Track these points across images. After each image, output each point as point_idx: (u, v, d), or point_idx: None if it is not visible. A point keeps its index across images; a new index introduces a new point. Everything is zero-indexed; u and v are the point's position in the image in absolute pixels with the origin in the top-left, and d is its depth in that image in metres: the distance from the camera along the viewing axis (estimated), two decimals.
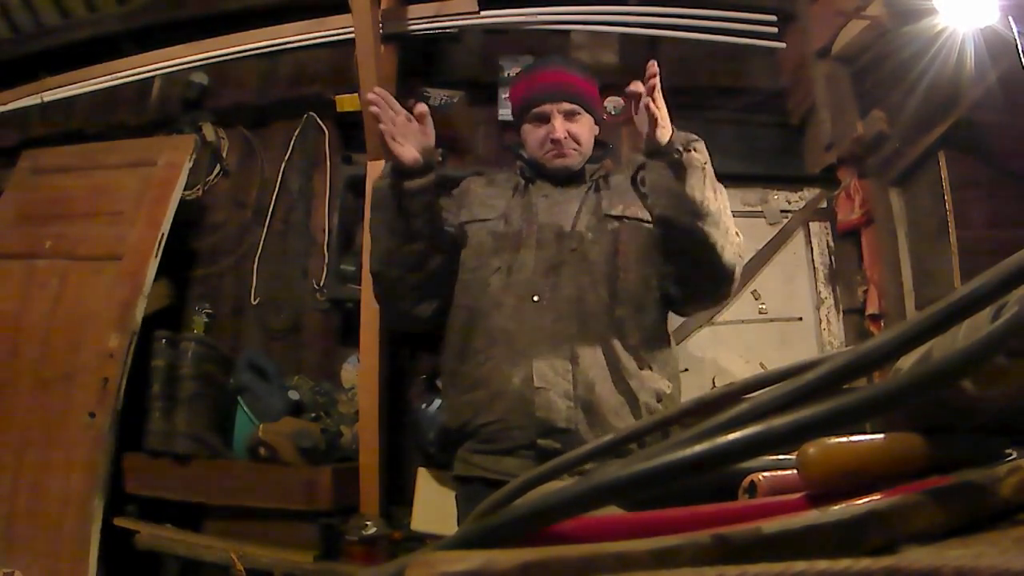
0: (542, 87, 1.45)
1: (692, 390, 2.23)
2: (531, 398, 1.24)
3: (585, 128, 1.46)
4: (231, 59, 2.36)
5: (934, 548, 0.30)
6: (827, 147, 2.31)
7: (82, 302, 2.16)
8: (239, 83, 2.69)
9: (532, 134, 1.46)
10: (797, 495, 0.40)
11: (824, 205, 2.41)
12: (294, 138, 2.59)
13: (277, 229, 2.55)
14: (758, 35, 2.16)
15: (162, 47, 2.40)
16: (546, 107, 1.43)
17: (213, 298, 2.49)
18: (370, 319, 2.02)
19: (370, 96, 1.29)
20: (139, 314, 2.09)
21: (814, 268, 2.38)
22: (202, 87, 2.64)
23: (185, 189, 2.35)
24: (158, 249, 2.16)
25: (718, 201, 1.29)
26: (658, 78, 1.24)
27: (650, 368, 1.31)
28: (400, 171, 1.30)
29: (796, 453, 0.39)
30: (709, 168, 1.29)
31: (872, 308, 2.19)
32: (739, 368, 2.28)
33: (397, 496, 2.09)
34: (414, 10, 2.25)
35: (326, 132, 2.57)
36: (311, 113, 2.59)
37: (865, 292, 2.25)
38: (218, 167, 2.61)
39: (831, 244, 2.39)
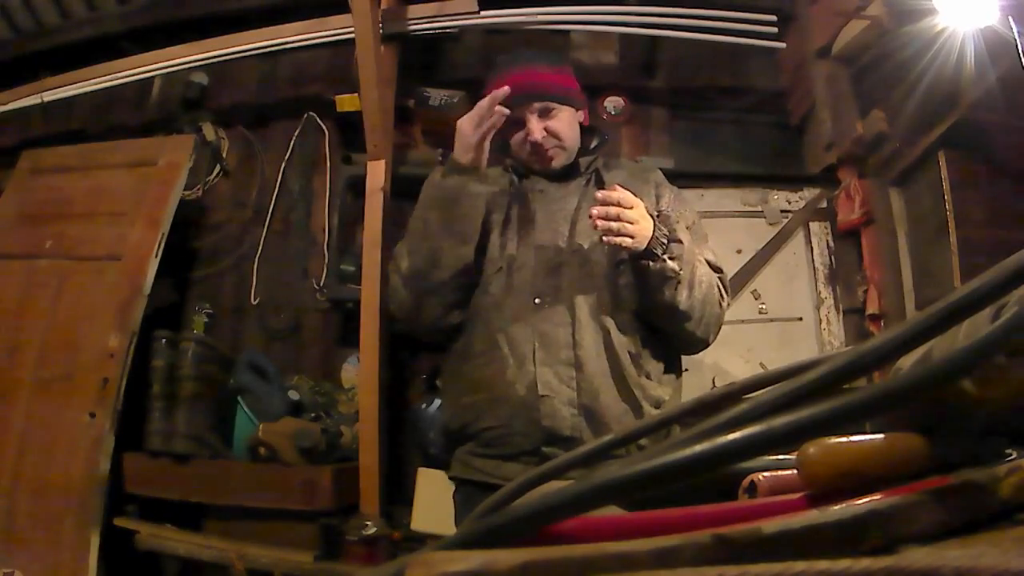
0: (513, 90, 1.36)
1: (692, 390, 2.23)
2: (536, 405, 1.22)
3: (564, 123, 1.40)
4: (231, 59, 2.36)
5: (934, 548, 0.30)
6: (827, 147, 2.31)
7: (82, 302, 2.16)
8: (239, 83, 2.70)
9: (513, 139, 1.42)
10: (797, 495, 0.40)
11: (824, 205, 2.42)
12: (294, 138, 2.60)
13: (277, 229, 2.55)
14: (758, 35, 2.16)
15: (162, 47, 2.40)
16: (518, 111, 1.36)
17: (213, 298, 2.49)
18: (370, 319, 2.02)
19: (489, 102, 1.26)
20: (139, 314, 2.09)
21: (814, 268, 2.37)
22: (202, 87, 2.64)
23: (185, 189, 2.35)
24: (158, 249, 2.17)
25: (694, 295, 1.26)
26: (613, 202, 1.17)
27: (648, 376, 1.29)
28: (467, 171, 1.28)
29: (796, 453, 0.39)
30: (688, 270, 1.24)
31: (872, 308, 2.19)
32: (739, 368, 2.28)
33: (397, 496, 2.09)
34: (414, 10, 2.25)
35: (326, 132, 2.57)
36: (311, 113, 2.59)
37: (865, 292, 2.25)
38: (218, 167, 2.61)
39: (831, 244, 2.39)
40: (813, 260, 2.38)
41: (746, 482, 0.47)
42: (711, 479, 0.34)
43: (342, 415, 2.18)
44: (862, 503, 0.32)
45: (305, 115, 2.60)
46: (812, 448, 0.38)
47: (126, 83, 2.42)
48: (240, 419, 2.07)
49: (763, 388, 0.47)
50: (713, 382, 2.28)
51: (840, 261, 2.37)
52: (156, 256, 2.16)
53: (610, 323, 1.28)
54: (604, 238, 1.18)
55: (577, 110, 1.46)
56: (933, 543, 0.30)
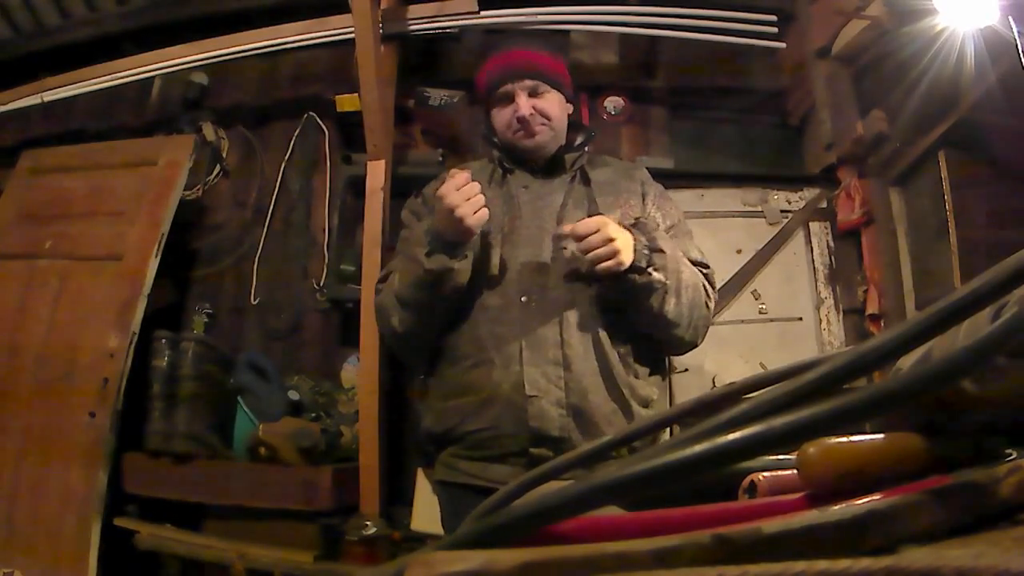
0: (503, 67, 1.39)
1: (692, 390, 2.24)
2: (523, 406, 1.20)
3: (553, 104, 1.39)
4: (231, 59, 2.36)
5: (934, 548, 0.30)
6: (827, 147, 2.31)
7: (82, 302, 2.16)
8: (239, 83, 2.70)
9: (499, 117, 1.40)
10: (797, 495, 0.40)
11: (824, 205, 2.42)
12: (294, 138, 2.60)
13: (277, 229, 2.55)
14: (758, 35, 2.17)
15: (162, 47, 2.40)
16: (508, 87, 1.37)
17: (213, 298, 2.49)
18: (370, 319, 2.02)
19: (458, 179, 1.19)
20: (139, 314, 2.09)
21: (814, 268, 2.38)
22: (202, 87, 2.64)
23: (185, 189, 2.36)
24: (158, 249, 2.17)
25: (682, 302, 1.24)
26: (590, 230, 1.16)
27: (636, 375, 1.27)
28: (452, 252, 1.21)
29: (796, 453, 0.39)
30: (673, 278, 1.22)
31: (872, 308, 2.19)
32: (739, 368, 2.28)
33: (397, 496, 2.09)
34: (414, 10, 2.25)
35: (326, 132, 2.57)
36: (311, 113, 2.59)
37: (865, 292, 2.25)
38: (218, 167, 2.61)
39: (831, 244, 2.39)
40: (813, 260, 2.38)
41: (746, 482, 0.47)
42: (711, 479, 0.34)
43: (342, 415, 2.18)
44: (862, 503, 0.32)
45: (305, 115, 2.60)
46: (812, 448, 0.38)
47: (126, 83, 2.42)
48: (240, 419, 2.08)
49: (763, 388, 0.47)
50: (713, 382, 2.28)
51: (840, 261, 2.37)
52: (156, 256, 2.16)
53: (599, 321, 1.25)
54: (599, 267, 1.16)
55: (567, 101, 1.44)
56: (933, 543, 0.30)
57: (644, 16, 2.22)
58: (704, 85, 2.56)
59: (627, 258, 1.17)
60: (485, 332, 1.26)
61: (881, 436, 0.40)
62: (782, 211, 2.44)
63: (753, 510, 0.38)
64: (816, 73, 2.32)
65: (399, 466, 2.15)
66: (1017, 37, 1.54)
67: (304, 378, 2.29)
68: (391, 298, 1.31)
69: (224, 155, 2.62)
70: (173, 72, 2.43)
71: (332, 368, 2.38)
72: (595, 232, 1.16)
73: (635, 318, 1.26)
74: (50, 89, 2.43)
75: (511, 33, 2.24)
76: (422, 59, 2.53)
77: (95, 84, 2.42)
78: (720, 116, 2.57)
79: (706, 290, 1.32)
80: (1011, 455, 0.40)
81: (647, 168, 1.55)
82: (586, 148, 1.45)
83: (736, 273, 2.35)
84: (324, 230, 2.49)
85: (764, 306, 2.36)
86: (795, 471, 0.40)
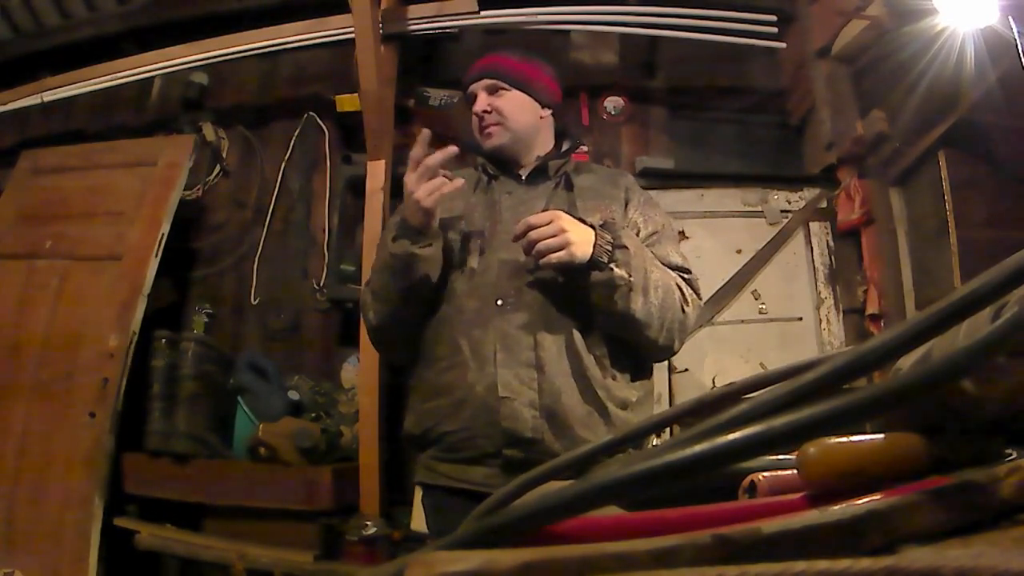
0: (471, 71, 1.44)
1: (692, 390, 2.24)
2: (496, 407, 1.20)
3: (510, 103, 1.39)
4: (231, 59, 2.36)
5: (934, 548, 0.30)
6: (827, 147, 2.31)
7: (82, 302, 2.17)
8: (239, 83, 2.70)
9: (471, 120, 1.44)
10: (797, 495, 0.40)
11: (824, 205, 2.42)
12: (294, 138, 2.60)
13: (277, 229, 2.55)
14: (758, 35, 2.17)
15: (162, 47, 2.40)
16: (471, 88, 1.41)
17: (213, 298, 2.49)
18: None
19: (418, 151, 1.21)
20: (139, 314, 2.09)
21: (814, 268, 2.38)
22: (202, 87, 2.64)
23: (185, 189, 2.36)
24: (158, 249, 2.17)
25: (650, 301, 1.21)
26: (540, 224, 1.17)
27: (614, 378, 1.26)
28: (414, 234, 1.23)
29: (796, 453, 0.39)
30: (639, 276, 1.19)
31: (872, 308, 2.20)
32: (739, 368, 2.28)
33: (397, 496, 2.09)
34: (414, 10, 2.25)
35: (326, 132, 2.57)
36: (311, 113, 2.59)
37: (865, 292, 2.25)
38: (218, 167, 2.61)
39: (831, 244, 2.39)
40: (813, 260, 2.38)
41: (746, 482, 0.47)
42: (711, 479, 0.34)
43: (342, 415, 2.18)
44: (862, 503, 0.32)
45: (305, 115, 2.60)
46: (812, 448, 0.38)
47: (126, 83, 2.43)
48: (240, 419, 2.08)
49: (763, 388, 0.47)
50: (713, 382, 2.28)
51: (840, 261, 2.37)
52: (156, 256, 2.16)
53: (573, 324, 1.25)
54: (549, 259, 1.16)
55: (542, 105, 1.44)
56: (933, 543, 0.30)
57: (644, 16, 2.22)
58: (704, 85, 2.56)
59: (580, 251, 1.17)
60: (461, 334, 1.26)
61: (881, 436, 0.40)
62: (782, 211, 2.44)
63: (753, 510, 0.38)
64: (816, 73, 2.32)
65: (399, 466, 2.15)
66: (1017, 37, 1.55)
67: (304, 378, 2.29)
68: (367, 291, 1.35)
69: (224, 155, 2.62)
70: (173, 72, 2.43)
71: (332, 368, 2.38)
72: (548, 224, 1.17)
73: (604, 320, 1.24)
74: (50, 89, 2.43)
75: (519, 34, 2.25)
76: (422, 59, 2.53)
77: (95, 84, 2.42)
78: (720, 116, 2.57)
79: (683, 293, 1.28)
80: (1011, 455, 0.40)
81: (646, 168, 1.55)
82: (571, 155, 1.46)
83: (736, 273, 2.35)
84: (324, 230, 2.49)
85: (764, 306, 2.36)
86: (795, 471, 0.40)
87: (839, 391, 0.30)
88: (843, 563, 0.24)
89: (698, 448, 0.29)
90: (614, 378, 1.27)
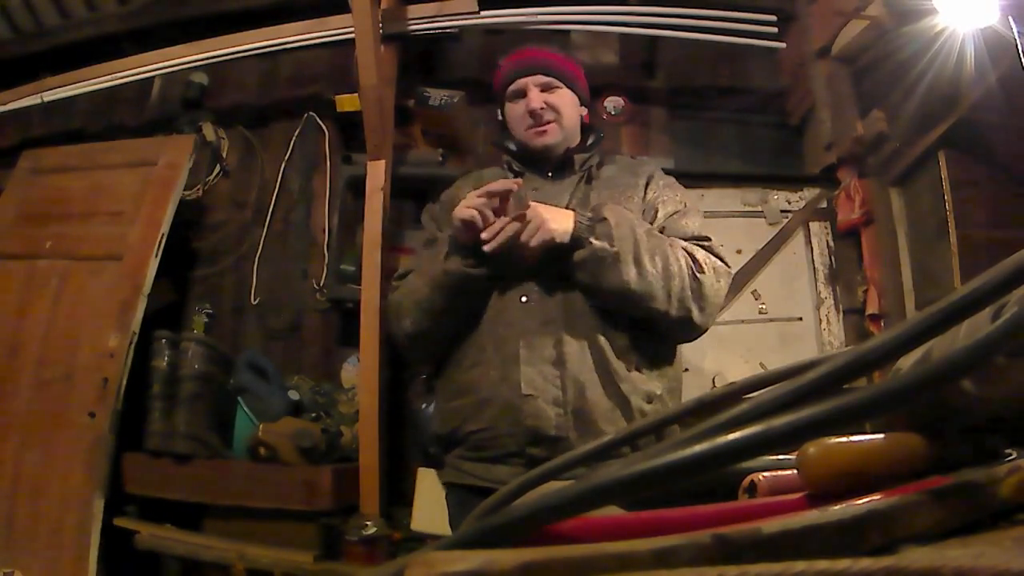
0: (517, 64, 1.42)
1: (692, 390, 2.24)
2: (520, 406, 1.19)
3: (565, 101, 1.40)
4: (231, 59, 2.36)
5: (934, 548, 0.30)
6: (827, 147, 2.31)
7: (82, 302, 2.16)
8: (239, 83, 2.70)
9: (513, 113, 1.42)
10: (797, 495, 0.40)
11: (824, 205, 2.42)
12: (294, 138, 2.60)
13: (277, 229, 2.55)
14: (758, 35, 2.17)
15: (162, 47, 2.40)
16: (520, 82, 1.38)
17: (213, 298, 2.49)
18: (370, 319, 2.02)
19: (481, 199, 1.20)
20: (139, 314, 2.09)
21: (814, 268, 2.38)
22: (202, 87, 2.64)
23: (185, 189, 2.35)
24: (158, 249, 2.17)
25: (646, 270, 1.18)
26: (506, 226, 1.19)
27: (639, 370, 1.25)
28: (469, 258, 1.23)
29: (796, 453, 0.39)
30: (625, 246, 1.17)
31: (872, 308, 2.20)
32: (739, 368, 2.28)
33: (397, 496, 2.08)
34: (414, 10, 2.25)
35: (326, 132, 2.57)
36: (311, 113, 2.59)
37: (865, 292, 2.25)
38: (218, 167, 2.61)
39: (831, 244, 2.39)
40: (813, 260, 2.38)
41: (746, 482, 0.47)
42: (711, 479, 0.34)
43: (342, 415, 2.18)
44: (862, 503, 0.32)
45: (305, 115, 2.60)
46: (812, 448, 0.38)
47: (126, 83, 2.42)
48: (240, 419, 2.07)
49: (763, 388, 0.47)
50: (713, 382, 2.28)
51: (840, 261, 2.37)
52: (156, 256, 2.16)
53: (596, 319, 1.24)
54: (533, 241, 1.17)
55: (580, 103, 1.45)
56: (933, 543, 0.30)
57: (644, 16, 2.22)
58: (704, 85, 2.56)
59: (560, 227, 1.18)
60: (485, 333, 1.27)
61: (881, 436, 0.40)
62: (782, 211, 2.44)
63: (753, 510, 0.38)
64: (816, 73, 2.32)
65: (399, 466, 2.15)
66: (1017, 37, 1.55)
67: (304, 378, 2.29)
68: (408, 298, 1.33)
69: (224, 155, 2.62)
70: (173, 72, 2.43)
71: (332, 368, 2.38)
72: (526, 220, 1.18)
73: (604, 301, 1.23)
74: (50, 89, 2.43)
75: (519, 34, 2.24)
76: (422, 59, 2.53)
77: (95, 84, 2.42)
78: (720, 116, 2.57)
79: (694, 258, 1.25)
80: (1011, 455, 0.40)
81: None
82: (596, 148, 1.46)
83: (736, 273, 2.35)
84: (324, 230, 2.49)
85: (764, 306, 2.36)
86: (795, 471, 0.40)
87: (839, 391, 0.30)
88: (843, 563, 0.24)
89: (698, 448, 0.29)
90: (639, 370, 1.25)
